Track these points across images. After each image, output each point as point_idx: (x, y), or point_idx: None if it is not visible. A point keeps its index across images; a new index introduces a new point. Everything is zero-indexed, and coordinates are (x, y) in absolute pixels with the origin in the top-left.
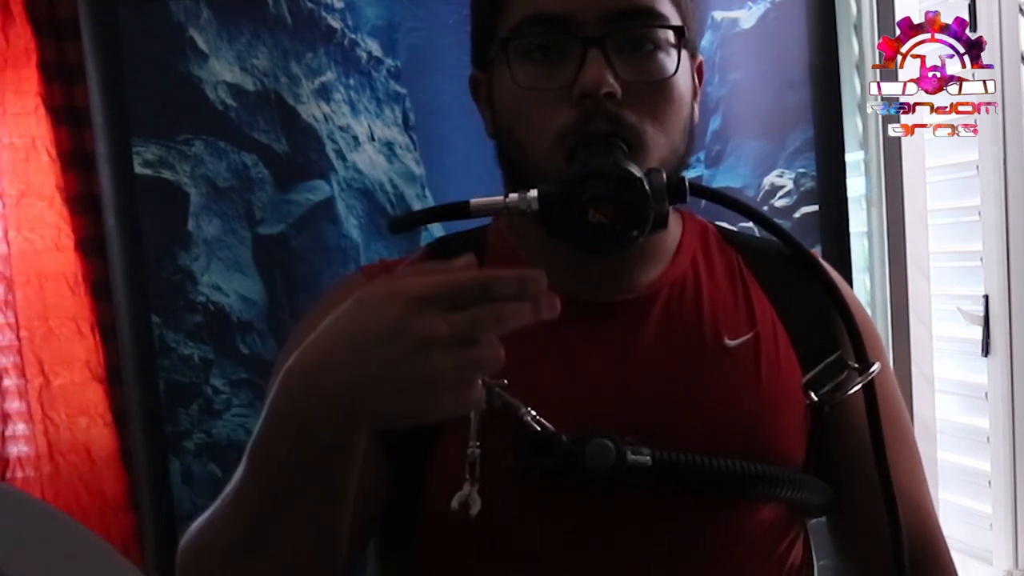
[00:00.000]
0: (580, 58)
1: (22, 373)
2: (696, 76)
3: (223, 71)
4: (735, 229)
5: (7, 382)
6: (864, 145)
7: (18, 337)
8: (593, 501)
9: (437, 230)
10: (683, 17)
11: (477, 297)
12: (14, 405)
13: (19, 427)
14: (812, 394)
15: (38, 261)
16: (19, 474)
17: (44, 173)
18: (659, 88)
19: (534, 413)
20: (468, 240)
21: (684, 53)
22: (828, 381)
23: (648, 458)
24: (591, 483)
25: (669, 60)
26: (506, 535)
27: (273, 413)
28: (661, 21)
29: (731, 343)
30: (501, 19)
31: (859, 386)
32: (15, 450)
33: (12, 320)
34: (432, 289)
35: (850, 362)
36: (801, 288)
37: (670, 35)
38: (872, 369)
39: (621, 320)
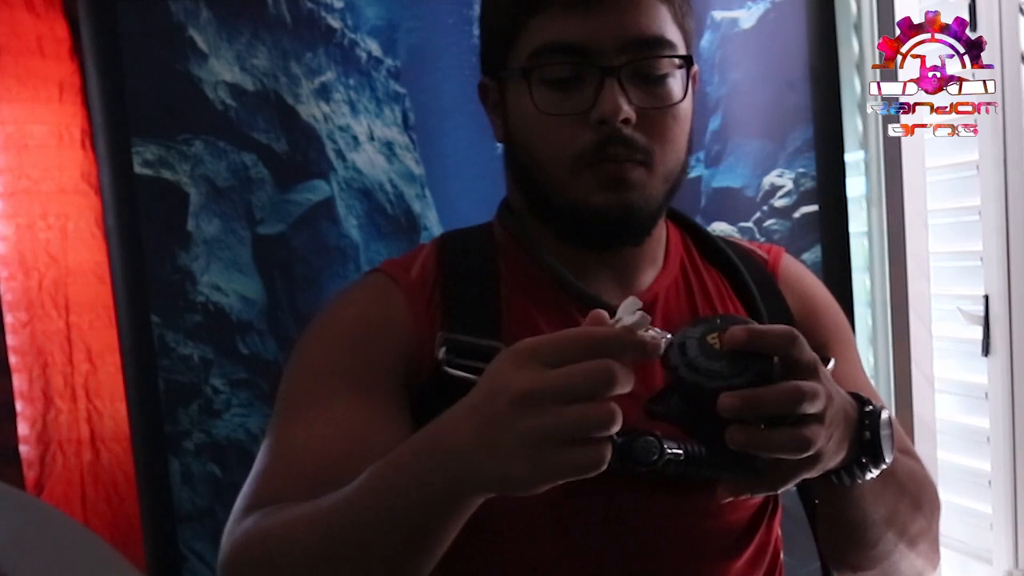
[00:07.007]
0: (597, 86)
1: (69, 359)
2: (692, 84)
3: (223, 71)
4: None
5: (53, 368)
6: (864, 145)
7: (67, 324)
8: (613, 487)
9: (436, 228)
10: (685, 38)
11: (586, 354)
12: (58, 390)
13: (63, 413)
14: None
15: (91, 249)
16: (59, 460)
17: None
18: (668, 112)
19: None
20: (474, 236)
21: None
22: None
23: (680, 451)
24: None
25: (676, 84)
26: (533, 513)
27: (415, 442)
28: (671, 49)
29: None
30: (518, 41)
31: None
32: (56, 436)
33: (63, 306)
34: (537, 344)
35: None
36: (767, 289)
37: (677, 60)
38: (827, 367)
39: None
